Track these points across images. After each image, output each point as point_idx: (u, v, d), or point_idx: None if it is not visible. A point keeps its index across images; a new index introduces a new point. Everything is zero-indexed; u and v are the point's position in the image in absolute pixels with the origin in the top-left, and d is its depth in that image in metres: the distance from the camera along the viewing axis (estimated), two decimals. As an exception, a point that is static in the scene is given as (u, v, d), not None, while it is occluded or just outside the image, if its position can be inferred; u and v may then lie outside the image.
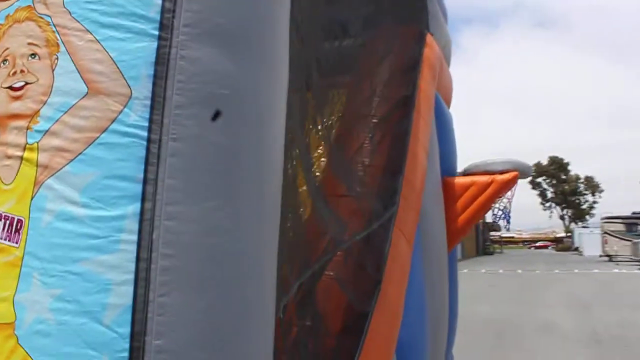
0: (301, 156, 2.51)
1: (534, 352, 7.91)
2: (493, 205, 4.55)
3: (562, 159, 77.43)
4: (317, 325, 2.05)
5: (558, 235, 79.31)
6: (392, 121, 3.39)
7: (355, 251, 2.40)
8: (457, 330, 9.72)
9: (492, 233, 67.75)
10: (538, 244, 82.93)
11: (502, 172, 4.35)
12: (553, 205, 79.49)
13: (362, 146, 3.22)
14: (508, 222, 4.61)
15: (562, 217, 79.49)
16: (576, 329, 9.73)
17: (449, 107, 5.26)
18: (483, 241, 58.55)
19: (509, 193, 4.47)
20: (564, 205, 77.89)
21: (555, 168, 77.11)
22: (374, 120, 3.40)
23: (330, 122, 3.59)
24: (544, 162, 78.31)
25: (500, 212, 4.59)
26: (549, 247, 76.66)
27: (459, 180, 4.38)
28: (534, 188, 79.87)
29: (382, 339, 2.31)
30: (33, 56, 1.45)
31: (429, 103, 3.87)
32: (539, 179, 79.26)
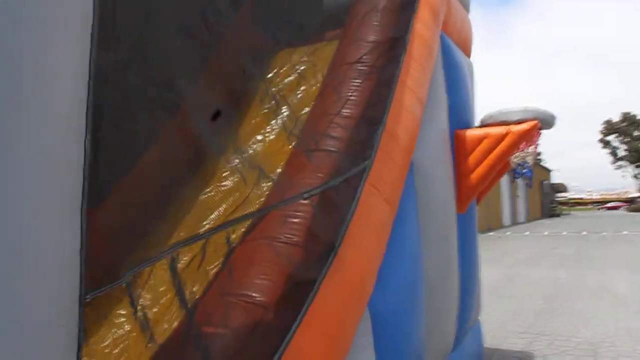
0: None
1: (582, 317, 7.36)
2: (514, 158, 4.09)
3: (634, 115, 72.48)
4: (243, 295, 1.80)
5: (631, 196, 74.96)
6: (376, 67, 3.01)
7: (303, 212, 2.10)
8: (506, 294, 9.26)
9: (559, 194, 64.89)
10: (609, 205, 78.83)
11: (519, 122, 3.89)
12: (625, 164, 74.95)
13: (341, 97, 2.87)
14: (530, 178, 4.15)
15: (635, 177, 74.93)
16: (632, 294, 9.01)
17: (467, 54, 4.78)
18: (549, 203, 56.14)
19: (530, 146, 4.00)
20: (637, 163, 73.24)
21: (628, 125, 72.31)
22: (358, 67, 3.04)
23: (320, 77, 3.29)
24: (615, 118, 73.62)
25: (521, 167, 4.13)
26: (621, 208, 72.68)
27: (472, 133, 3.96)
28: (604, 147, 75.40)
29: (332, 313, 2.03)
30: None
31: (426, 47, 3.46)
32: (610, 137, 74.68)
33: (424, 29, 3.48)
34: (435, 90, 3.73)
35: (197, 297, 1.96)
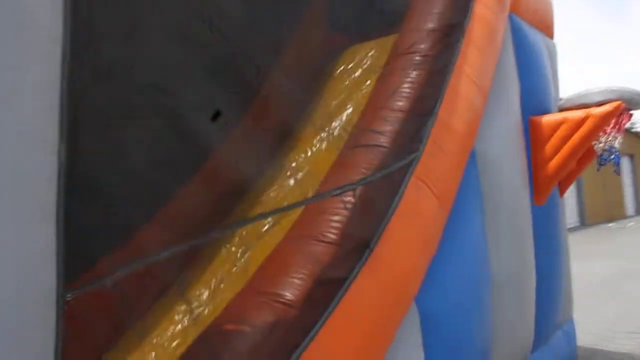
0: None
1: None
2: (599, 144, 3.76)
3: None
4: (274, 294, 1.83)
5: None
6: (429, 55, 2.91)
7: (339, 209, 2.09)
8: (621, 291, 8.48)
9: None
10: None
11: (600, 104, 3.56)
12: None
13: (389, 88, 2.82)
14: (617, 164, 3.77)
15: None
16: None
17: (548, 34, 4.46)
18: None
19: (615, 129, 3.65)
20: None
21: None
22: (410, 57, 2.96)
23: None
24: None
25: (607, 153, 3.77)
26: None
27: (548, 119, 3.69)
28: None
29: (366, 311, 1.99)
30: None
31: (489, 31, 3.27)
32: None
33: (486, 11, 3.30)
34: (503, 75, 3.52)
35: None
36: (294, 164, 3.13)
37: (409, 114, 2.65)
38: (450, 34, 3.05)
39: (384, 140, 2.53)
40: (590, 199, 26.53)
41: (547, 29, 4.46)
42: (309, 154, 3.11)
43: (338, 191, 2.07)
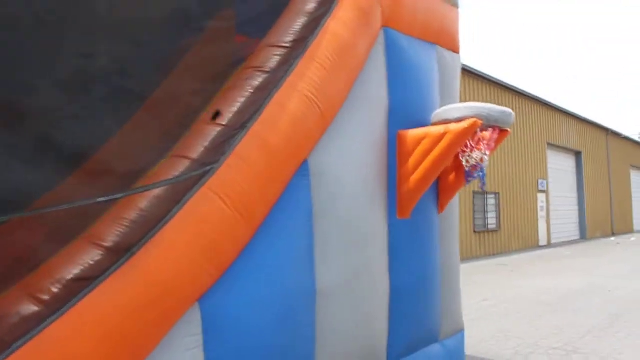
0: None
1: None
2: (467, 159, 3.82)
3: None
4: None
5: None
6: (263, 71, 3.03)
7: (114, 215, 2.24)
8: (571, 308, 8.42)
9: None
10: None
11: (459, 121, 3.62)
12: None
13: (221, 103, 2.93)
14: (483, 180, 3.81)
15: None
16: None
17: (448, 46, 4.51)
18: None
19: (480, 146, 3.70)
20: None
21: None
22: (251, 73, 3.07)
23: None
24: None
25: (473, 170, 3.82)
26: None
27: (413, 133, 3.77)
28: None
29: (118, 312, 2.14)
30: None
31: (340, 46, 3.36)
32: None
33: (340, 28, 3.40)
34: (364, 90, 3.61)
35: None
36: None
37: (224, 127, 2.76)
38: (290, 50, 3.15)
39: (190, 153, 2.65)
40: (592, 212, 26.14)
41: (447, 42, 4.51)
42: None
43: (102, 199, 2.21)
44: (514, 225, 20.30)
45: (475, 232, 17.75)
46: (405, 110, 3.89)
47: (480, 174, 3.79)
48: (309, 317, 3.04)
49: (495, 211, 19.11)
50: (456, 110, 3.67)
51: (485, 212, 18.44)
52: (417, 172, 3.70)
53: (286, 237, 2.97)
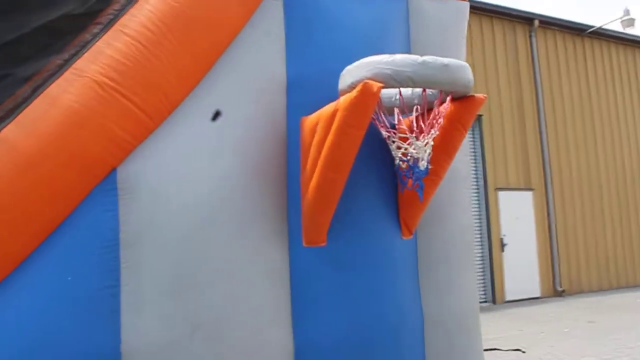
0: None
1: None
2: (395, 150, 2.46)
3: None
4: None
5: None
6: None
7: None
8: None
9: None
10: None
11: (352, 88, 2.31)
12: None
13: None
14: (420, 183, 2.30)
15: None
16: None
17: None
18: None
19: (429, 127, 2.33)
20: None
21: None
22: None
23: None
24: None
25: (404, 165, 2.39)
26: None
27: (309, 119, 2.57)
28: None
29: None
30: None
31: (173, 7, 2.44)
32: None
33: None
34: (243, 64, 2.61)
35: None
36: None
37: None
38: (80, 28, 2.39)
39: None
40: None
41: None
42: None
43: None
44: None
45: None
46: (318, 88, 2.69)
47: (418, 172, 2.35)
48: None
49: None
50: (349, 73, 2.37)
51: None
52: (315, 177, 2.46)
53: (74, 275, 2.16)
